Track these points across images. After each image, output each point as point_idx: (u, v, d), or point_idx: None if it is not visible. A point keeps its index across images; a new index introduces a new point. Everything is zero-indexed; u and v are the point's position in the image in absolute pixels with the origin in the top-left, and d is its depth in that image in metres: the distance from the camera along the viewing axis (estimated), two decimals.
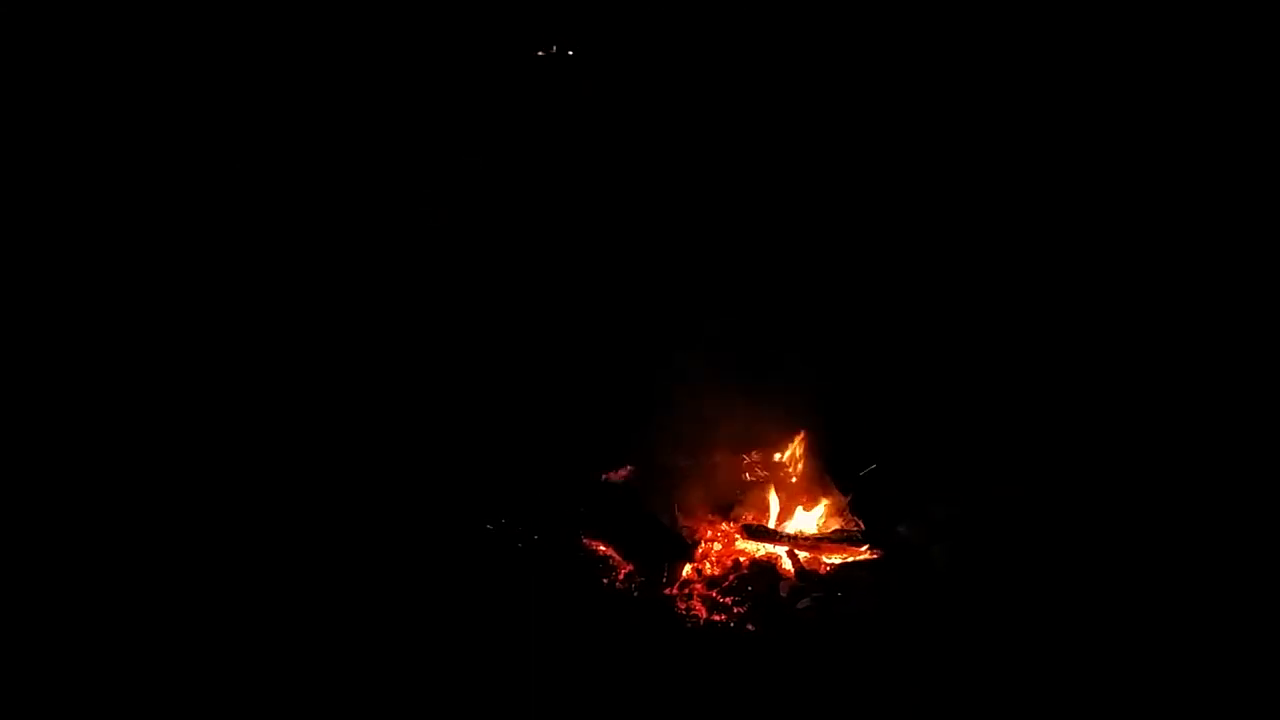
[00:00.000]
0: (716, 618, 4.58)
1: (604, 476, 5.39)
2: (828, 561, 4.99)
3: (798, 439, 5.54)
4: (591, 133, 6.68)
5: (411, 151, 6.56)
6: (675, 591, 4.75)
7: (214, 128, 6.18)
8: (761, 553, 5.03)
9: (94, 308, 5.73)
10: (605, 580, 4.82)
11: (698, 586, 4.79)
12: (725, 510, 5.31)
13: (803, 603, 4.58)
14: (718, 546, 5.08)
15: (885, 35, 6.28)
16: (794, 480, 5.48)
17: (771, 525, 5.22)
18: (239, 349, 5.88)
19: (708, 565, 4.94)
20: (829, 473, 5.45)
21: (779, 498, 5.34)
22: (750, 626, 4.53)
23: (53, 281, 5.68)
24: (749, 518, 5.27)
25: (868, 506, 5.28)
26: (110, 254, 5.85)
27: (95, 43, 5.93)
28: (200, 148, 6.15)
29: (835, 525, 5.23)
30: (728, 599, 4.69)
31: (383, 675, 4.11)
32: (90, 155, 5.90)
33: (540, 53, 6.78)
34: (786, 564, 4.93)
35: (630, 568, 4.87)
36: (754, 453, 5.68)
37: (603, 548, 5.01)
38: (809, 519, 5.28)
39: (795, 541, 5.08)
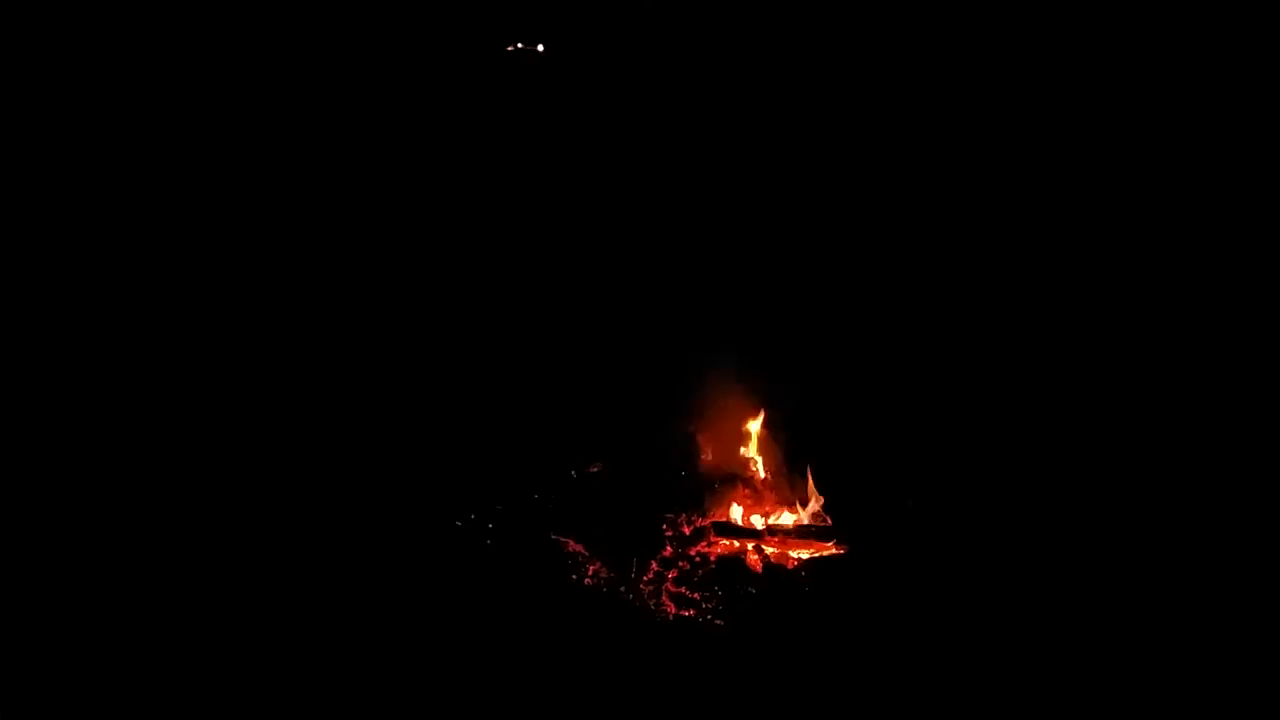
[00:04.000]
0: (685, 613, 4.60)
1: (572, 472, 5.38)
2: (796, 556, 5.02)
3: (759, 422, 5.55)
4: (583, 134, 6.66)
5: (410, 151, 6.53)
6: (643, 588, 4.76)
7: (209, 129, 6.14)
8: (731, 548, 5.05)
9: (94, 308, 5.69)
10: (574, 577, 4.82)
11: (667, 583, 4.80)
12: (695, 505, 5.31)
13: None
14: (687, 542, 5.08)
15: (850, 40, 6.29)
16: (764, 476, 5.49)
17: (741, 521, 5.24)
18: (220, 348, 5.86)
19: (677, 561, 4.95)
20: (798, 468, 5.48)
21: (749, 493, 5.36)
22: (718, 622, 4.55)
23: (52, 282, 5.64)
24: (719, 514, 5.28)
25: (837, 501, 5.31)
26: (110, 254, 5.81)
27: (95, 42, 5.89)
28: (196, 148, 6.11)
29: (805, 521, 5.26)
30: (696, 594, 4.70)
31: (351, 672, 4.09)
32: (90, 155, 5.86)
33: (510, 48, 6.76)
34: (755, 558, 4.95)
35: (598, 564, 4.88)
36: (724, 448, 5.67)
37: (571, 544, 5.01)
38: (778, 514, 5.30)
39: (764, 537, 5.10)
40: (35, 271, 5.59)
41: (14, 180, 5.62)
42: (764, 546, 5.02)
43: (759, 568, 4.88)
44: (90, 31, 5.88)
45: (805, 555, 5.01)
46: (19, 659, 4.02)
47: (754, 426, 5.59)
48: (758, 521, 5.24)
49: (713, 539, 5.07)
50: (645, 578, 4.81)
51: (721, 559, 4.94)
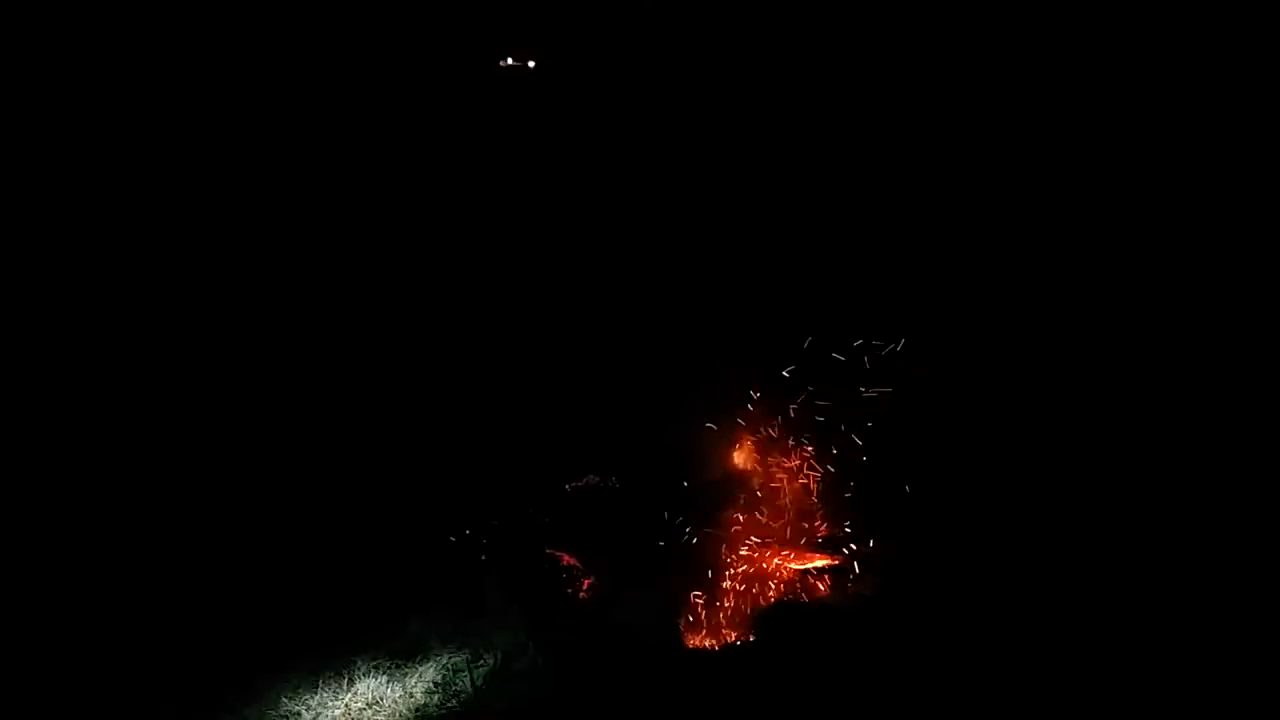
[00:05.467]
0: (683, 628, 4.56)
1: (568, 486, 5.35)
2: (800, 567, 4.98)
3: (761, 435, 5.50)
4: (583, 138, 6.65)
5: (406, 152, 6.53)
6: (640, 602, 4.71)
7: (209, 130, 6.16)
8: (731, 560, 5.00)
9: (93, 307, 5.72)
10: (569, 590, 4.80)
11: (665, 597, 4.75)
12: (697, 516, 5.25)
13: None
14: (687, 555, 5.03)
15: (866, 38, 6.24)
16: (778, 485, 5.44)
17: (744, 532, 5.20)
18: (217, 356, 5.87)
19: (675, 575, 4.90)
20: (814, 480, 5.43)
21: (752, 504, 5.31)
22: (716, 634, 4.51)
23: (53, 281, 5.68)
24: (719, 525, 5.23)
25: (850, 514, 5.27)
26: (109, 254, 5.84)
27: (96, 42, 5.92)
28: (195, 150, 6.14)
29: (819, 532, 5.22)
30: (694, 608, 4.67)
31: (348, 680, 4.09)
32: (94, 158, 5.90)
33: (503, 64, 6.77)
34: (754, 571, 4.91)
35: (593, 578, 4.85)
36: (728, 459, 5.61)
37: (566, 558, 4.98)
38: (782, 526, 5.26)
39: (777, 548, 5.06)
40: (37, 272, 5.62)
41: (16, 181, 5.66)
42: (764, 557, 4.98)
43: (760, 578, 4.84)
44: (93, 33, 5.92)
45: (808, 566, 4.97)
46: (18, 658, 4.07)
47: (756, 439, 5.54)
48: (773, 533, 5.20)
49: (714, 551, 5.03)
50: (642, 592, 4.77)
51: (723, 571, 4.90)
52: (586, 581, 4.80)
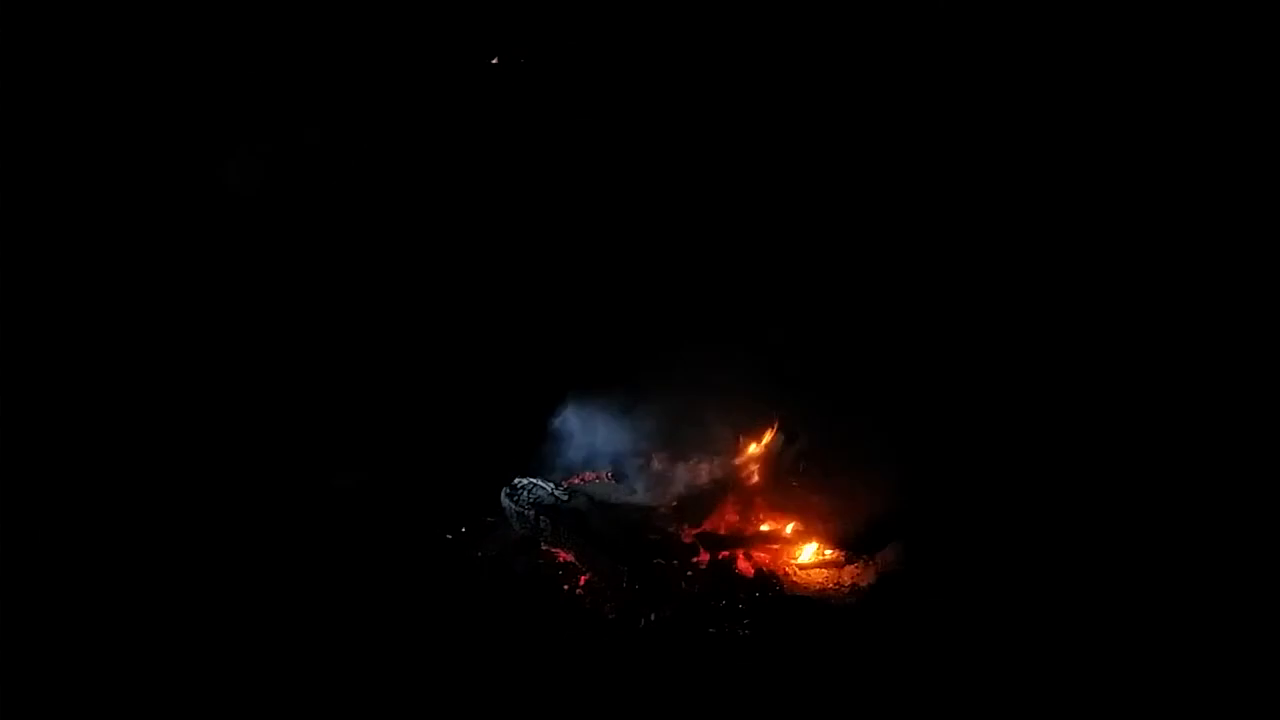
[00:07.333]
0: (675, 622, 4.57)
1: (563, 483, 5.36)
2: (788, 563, 5.01)
3: (760, 440, 5.53)
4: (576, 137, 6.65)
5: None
6: (633, 597, 4.72)
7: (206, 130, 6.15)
8: (723, 555, 5.02)
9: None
10: (565, 587, 4.81)
11: (658, 593, 4.76)
12: (689, 514, 5.27)
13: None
14: (679, 552, 5.04)
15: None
16: (756, 482, 5.46)
17: (731, 529, 5.23)
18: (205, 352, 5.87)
19: (668, 570, 4.91)
20: (790, 475, 5.47)
21: (740, 501, 5.35)
22: (709, 629, 4.52)
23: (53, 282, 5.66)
24: (711, 523, 5.25)
25: (830, 509, 5.31)
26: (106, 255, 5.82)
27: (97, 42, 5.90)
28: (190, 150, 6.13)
29: (795, 529, 5.25)
30: (687, 604, 4.68)
31: (345, 679, 4.08)
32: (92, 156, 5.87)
33: (494, 60, 6.78)
34: (746, 565, 4.93)
35: (589, 575, 4.86)
36: (719, 456, 5.62)
37: (562, 555, 4.99)
38: (769, 523, 5.29)
39: (754, 544, 5.08)
40: (39, 272, 5.59)
41: (20, 181, 5.63)
42: (753, 553, 5.01)
43: (750, 573, 4.87)
44: (95, 33, 5.89)
45: (797, 561, 5.01)
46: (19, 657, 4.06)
47: (750, 436, 5.55)
48: (752, 529, 5.23)
49: (702, 548, 5.05)
50: (635, 587, 4.77)
51: (712, 566, 4.92)
52: (583, 579, 4.82)
